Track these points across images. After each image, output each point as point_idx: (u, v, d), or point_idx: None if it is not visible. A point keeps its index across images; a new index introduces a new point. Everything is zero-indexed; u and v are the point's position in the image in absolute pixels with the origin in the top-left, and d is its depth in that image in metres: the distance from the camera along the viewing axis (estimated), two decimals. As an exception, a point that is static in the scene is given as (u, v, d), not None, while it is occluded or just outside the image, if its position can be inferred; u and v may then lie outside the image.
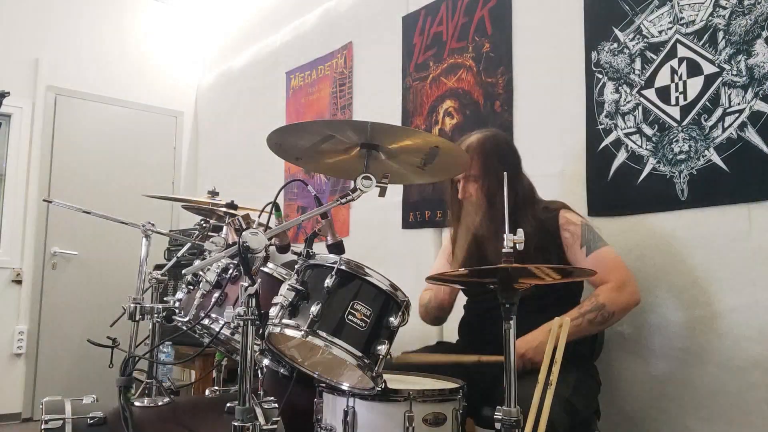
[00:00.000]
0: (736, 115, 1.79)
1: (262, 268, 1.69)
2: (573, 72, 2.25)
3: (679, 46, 1.95)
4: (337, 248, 1.46)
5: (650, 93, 2.01)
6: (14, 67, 4.21)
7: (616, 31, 2.12)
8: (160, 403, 1.69)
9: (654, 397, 1.95)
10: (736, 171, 1.79)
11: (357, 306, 1.37)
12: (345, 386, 1.47)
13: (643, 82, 2.04)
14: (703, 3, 1.89)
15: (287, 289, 1.39)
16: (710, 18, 1.87)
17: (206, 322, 1.67)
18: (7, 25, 4.20)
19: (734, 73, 1.81)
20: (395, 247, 2.95)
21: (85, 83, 4.47)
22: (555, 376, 1.27)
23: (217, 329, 1.63)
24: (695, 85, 1.89)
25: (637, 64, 2.06)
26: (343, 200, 1.34)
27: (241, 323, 1.21)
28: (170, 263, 2.07)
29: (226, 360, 2.16)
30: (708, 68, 1.87)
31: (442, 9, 2.84)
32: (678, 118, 1.93)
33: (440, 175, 1.71)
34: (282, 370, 1.77)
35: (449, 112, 2.77)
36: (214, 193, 2.09)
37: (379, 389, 1.38)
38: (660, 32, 2.00)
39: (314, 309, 1.33)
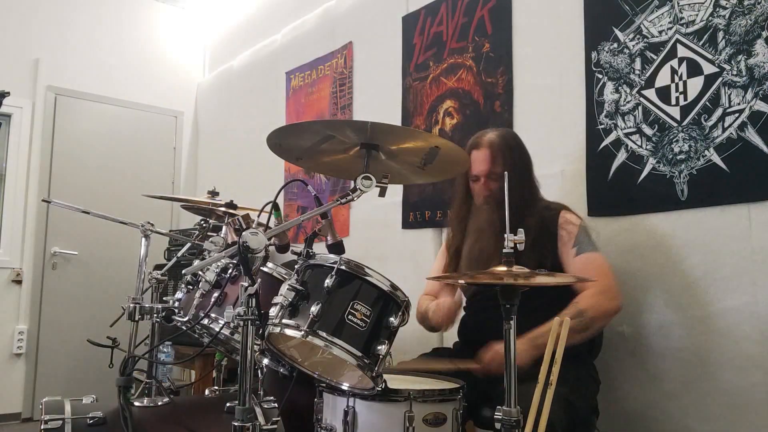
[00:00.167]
0: (736, 115, 1.79)
1: (261, 268, 1.69)
2: (573, 72, 2.25)
3: (679, 46, 1.95)
4: (337, 248, 1.46)
5: (650, 93, 2.01)
6: (14, 67, 4.21)
7: (616, 31, 2.12)
8: (159, 403, 1.69)
9: (654, 398, 1.95)
10: (736, 171, 1.79)
11: (357, 306, 1.37)
12: (345, 386, 1.47)
13: (643, 82, 2.04)
14: (703, 3, 1.89)
15: (287, 289, 1.39)
16: (710, 18, 1.87)
17: (206, 322, 1.67)
18: (7, 25, 4.20)
19: (734, 73, 1.80)
20: (395, 247, 2.95)
21: (85, 83, 4.47)
22: (555, 376, 1.27)
23: (217, 329, 1.63)
24: (695, 85, 1.89)
25: (637, 64, 2.06)
26: (343, 200, 1.34)
27: (241, 323, 1.21)
28: (170, 263, 2.07)
29: (226, 360, 2.16)
30: (708, 68, 1.87)
31: (442, 9, 2.84)
32: (678, 118, 1.93)
33: (440, 175, 1.71)
34: (282, 370, 1.77)
35: (449, 112, 2.77)
36: (214, 193, 2.09)
37: (379, 389, 1.38)
38: (660, 32, 2.00)
39: (314, 309, 1.33)
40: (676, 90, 1.94)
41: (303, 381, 1.64)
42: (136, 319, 1.75)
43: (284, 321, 1.37)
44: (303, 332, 1.33)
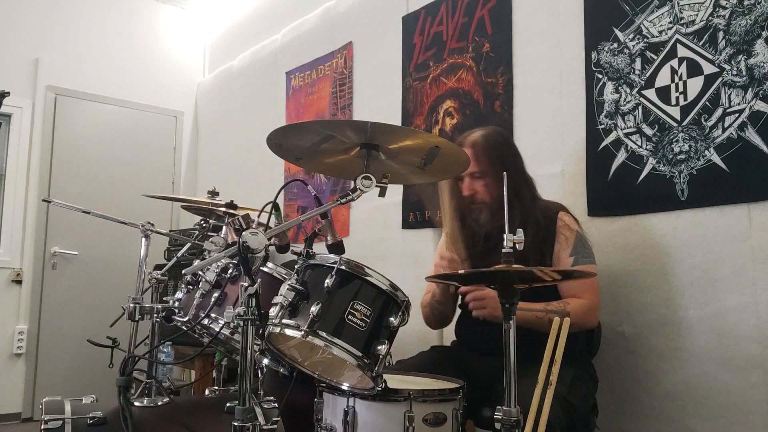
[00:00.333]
0: (736, 115, 1.79)
1: (261, 268, 1.69)
2: (573, 72, 2.25)
3: (679, 46, 1.95)
4: (337, 248, 1.46)
5: (650, 93, 2.01)
6: (14, 67, 4.21)
7: (616, 31, 2.12)
8: (159, 403, 1.69)
9: (654, 397, 1.95)
10: (736, 171, 1.79)
11: (357, 306, 1.37)
12: (345, 386, 1.47)
13: (643, 82, 2.04)
14: (703, 3, 1.89)
15: (287, 289, 1.39)
16: (710, 18, 1.87)
17: (206, 322, 1.67)
18: (7, 25, 4.20)
19: (734, 73, 1.80)
20: (395, 247, 2.95)
21: (85, 83, 4.47)
22: (555, 376, 1.27)
23: (217, 329, 1.63)
24: (695, 85, 1.89)
25: (637, 64, 2.06)
26: (343, 200, 1.34)
27: (241, 323, 1.21)
28: (170, 263, 2.07)
29: (225, 360, 2.16)
30: (708, 68, 1.87)
31: (442, 9, 2.84)
32: (678, 118, 1.93)
33: (440, 175, 1.71)
34: (282, 370, 1.77)
35: (449, 112, 2.77)
36: (214, 193, 2.09)
37: (379, 389, 1.38)
38: (660, 32, 2.00)
39: (314, 309, 1.33)
40: (676, 90, 1.94)
41: (303, 381, 1.64)
42: (136, 319, 1.75)
43: (284, 321, 1.37)
44: (303, 332, 1.33)
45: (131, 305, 1.75)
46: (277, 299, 1.40)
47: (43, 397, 1.61)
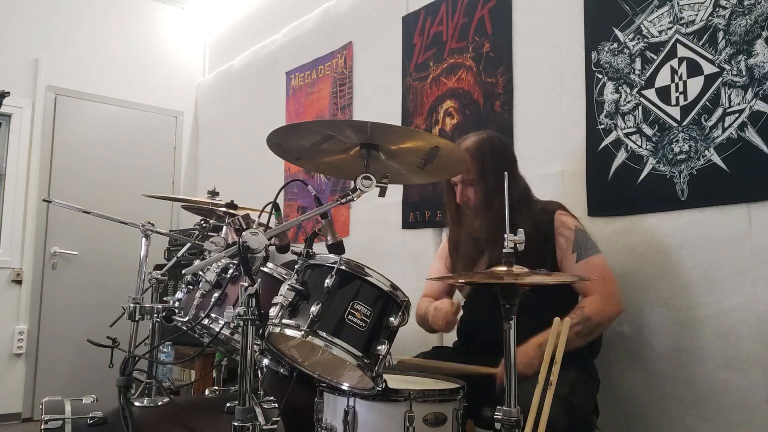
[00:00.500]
0: (736, 115, 1.79)
1: (262, 268, 1.69)
2: (573, 72, 2.25)
3: (679, 46, 1.95)
4: (337, 248, 1.46)
5: (650, 93, 2.01)
6: (14, 67, 4.21)
7: (616, 31, 2.12)
8: (159, 403, 1.69)
9: (654, 397, 1.95)
10: (736, 171, 1.79)
11: (357, 306, 1.37)
12: (345, 386, 1.47)
13: (643, 82, 2.04)
14: (703, 3, 1.89)
15: (287, 289, 1.39)
16: (710, 18, 1.87)
17: (206, 322, 1.67)
18: (7, 25, 4.20)
19: (734, 73, 1.80)
20: (395, 247, 2.95)
21: (85, 83, 4.47)
22: (555, 376, 1.27)
23: (217, 329, 1.63)
24: (695, 85, 1.89)
25: (637, 64, 2.06)
26: (343, 200, 1.34)
27: (241, 323, 1.21)
28: (170, 263, 2.07)
29: (226, 360, 2.16)
30: (708, 68, 1.87)
31: (442, 9, 2.84)
32: (678, 118, 1.93)
33: (440, 175, 1.71)
34: (282, 370, 1.77)
35: (449, 112, 2.77)
36: (214, 193, 2.09)
37: (380, 389, 1.38)
38: (660, 32, 2.00)
39: (314, 309, 1.33)
40: (676, 90, 1.94)
41: (303, 381, 1.64)
42: (137, 319, 1.75)
43: (284, 321, 1.37)
44: (303, 332, 1.33)
45: (131, 305, 1.75)
46: (277, 299, 1.40)
47: (43, 397, 1.61)
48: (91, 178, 4.42)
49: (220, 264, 1.70)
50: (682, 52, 1.94)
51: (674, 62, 1.95)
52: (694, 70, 1.90)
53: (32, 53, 4.28)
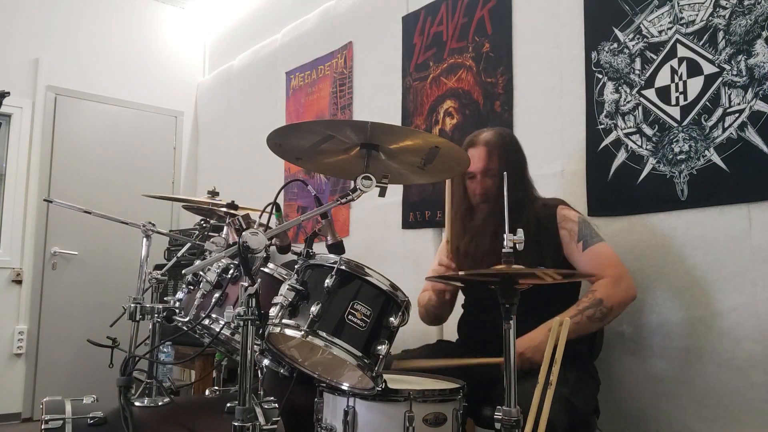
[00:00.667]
0: (736, 115, 1.79)
1: (262, 268, 1.69)
2: (573, 72, 2.25)
3: (679, 46, 1.95)
4: (337, 248, 1.46)
5: (650, 93, 2.01)
6: (14, 67, 4.21)
7: (616, 31, 2.12)
8: (160, 403, 1.69)
9: (654, 397, 1.95)
10: (736, 171, 1.79)
11: (357, 306, 1.37)
12: (345, 386, 1.47)
13: (643, 82, 2.04)
14: (703, 3, 1.89)
15: (287, 289, 1.39)
16: (710, 18, 1.87)
17: (206, 322, 1.67)
18: (7, 25, 4.20)
19: (734, 73, 1.81)
20: (395, 247, 2.95)
21: (85, 83, 4.47)
22: (555, 376, 1.27)
23: (218, 329, 1.63)
24: (695, 85, 1.89)
25: (637, 64, 2.06)
26: (343, 200, 1.34)
27: (241, 323, 1.21)
28: (170, 263, 2.07)
29: (226, 360, 2.16)
30: (708, 68, 1.87)
31: (442, 9, 2.84)
32: (678, 118, 1.94)
33: (440, 175, 1.71)
34: (282, 370, 1.77)
35: (449, 112, 2.77)
36: (214, 193, 2.09)
37: (380, 389, 1.38)
38: (660, 32, 2.00)
39: (314, 309, 1.33)
40: (676, 90, 1.94)
41: (303, 381, 1.64)
42: (137, 319, 1.75)
43: (284, 321, 1.37)
44: (303, 332, 1.33)
45: (132, 305, 1.75)
46: (277, 299, 1.40)
47: (43, 397, 1.61)
48: (91, 178, 4.42)
49: (220, 264, 1.70)
50: (682, 52, 1.94)
51: (674, 62, 1.95)
52: (694, 70, 1.90)
53: (32, 53, 4.28)
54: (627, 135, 2.07)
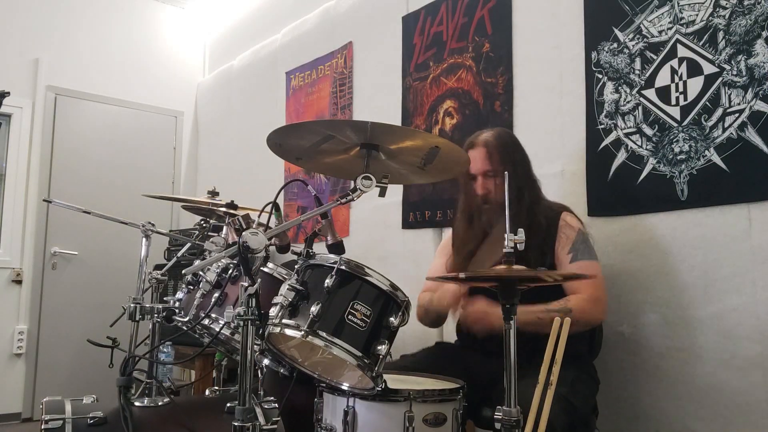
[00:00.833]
0: (736, 115, 1.79)
1: (262, 268, 1.69)
2: (573, 72, 2.25)
3: (679, 46, 1.95)
4: (337, 248, 1.46)
5: (650, 93, 2.01)
6: (14, 67, 4.21)
7: (616, 31, 2.12)
8: (159, 403, 1.69)
9: (653, 397, 1.95)
10: (736, 171, 1.79)
11: (357, 306, 1.37)
12: (345, 386, 1.47)
13: (643, 82, 2.04)
14: (703, 3, 1.89)
15: (287, 289, 1.39)
16: (710, 18, 1.87)
17: (206, 322, 1.67)
18: (7, 25, 4.19)
19: (734, 73, 1.81)
20: (395, 247, 2.95)
21: (85, 83, 4.47)
22: (555, 376, 1.27)
23: (217, 329, 1.63)
24: (695, 85, 1.89)
25: (637, 64, 2.06)
26: (343, 200, 1.34)
27: (241, 323, 1.21)
28: (170, 263, 2.07)
29: (226, 360, 2.16)
30: (708, 68, 1.87)
31: (442, 9, 2.84)
32: (678, 118, 1.94)
33: (440, 175, 1.71)
34: (282, 370, 1.77)
35: (449, 112, 2.77)
36: (214, 193, 2.09)
37: (379, 389, 1.38)
38: (660, 32, 2.00)
39: (314, 309, 1.33)
40: (676, 90, 1.94)
41: (303, 381, 1.64)
42: (137, 319, 1.75)
43: (284, 321, 1.37)
44: (303, 332, 1.33)
45: (131, 305, 1.75)
46: (277, 299, 1.40)
47: (43, 397, 1.61)
48: (91, 178, 4.42)
49: (220, 264, 1.70)
50: (682, 52, 1.94)
51: (674, 62, 1.95)
52: (694, 70, 1.90)
53: (32, 53, 4.28)
54: (627, 135, 2.07)
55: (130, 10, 4.75)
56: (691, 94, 1.90)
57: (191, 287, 1.77)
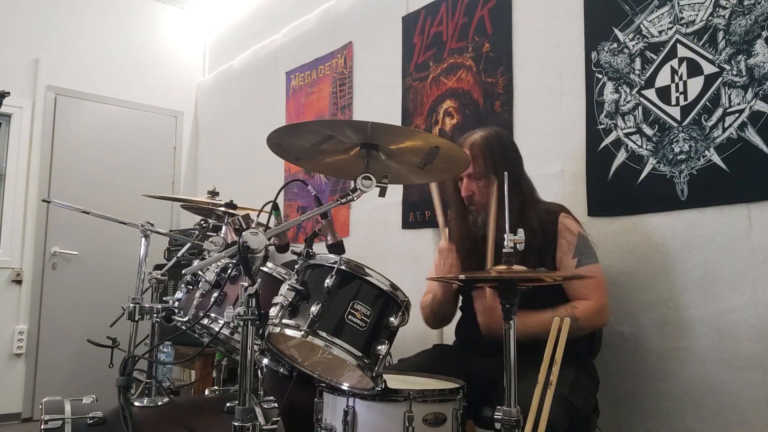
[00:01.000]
0: (736, 115, 1.79)
1: (261, 268, 1.69)
2: (573, 72, 2.25)
3: (679, 46, 1.95)
4: (337, 248, 1.46)
5: (650, 93, 2.01)
6: (14, 67, 4.21)
7: (616, 31, 2.12)
8: (159, 403, 1.69)
9: (654, 397, 1.95)
10: (736, 171, 1.79)
11: (357, 306, 1.37)
12: (345, 386, 1.47)
13: (643, 82, 2.04)
14: (703, 3, 1.89)
15: (287, 288, 1.39)
16: (710, 18, 1.87)
17: (206, 321, 1.67)
18: (7, 25, 4.19)
19: (734, 73, 1.80)
20: (395, 247, 2.95)
21: (85, 83, 4.47)
22: (555, 376, 1.27)
23: (217, 329, 1.63)
24: (695, 85, 1.89)
25: (637, 64, 2.06)
26: (343, 200, 1.34)
27: (241, 323, 1.21)
28: (170, 263, 2.07)
29: (225, 360, 2.16)
30: (708, 68, 1.87)
31: (442, 9, 2.84)
32: (678, 118, 1.93)
33: (440, 175, 1.71)
34: (282, 370, 1.77)
35: (449, 112, 2.77)
36: (214, 193, 2.09)
37: (379, 389, 1.38)
38: (660, 32, 2.00)
39: (314, 309, 1.33)
40: (676, 90, 1.94)
41: (303, 381, 1.64)
42: (136, 319, 1.75)
43: (284, 321, 1.37)
44: (303, 332, 1.33)
45: (131, 305, 1.75)
46: (277, 299, 1.39)
47: (43, 397, 1.61)
48: (91, 178, 4.42)
49: (219, 264, 1.70)
50: (682, 52, 1.94)
51: (674, 62, 1.95)
52: (694, 70, 1.90)
53: (32, 53, 4.28)
54: (627, 135, 2.07)
55: (130, 10, 4.75)
56: (691, 94, 1.90)
57: (191, 287, 1.77)
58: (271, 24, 4.22)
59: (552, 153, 2.30)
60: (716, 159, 1.83)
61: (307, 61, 3.73)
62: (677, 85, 1.94)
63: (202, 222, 2.15)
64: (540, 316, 1.67)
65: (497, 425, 1.25)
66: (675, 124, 1.94)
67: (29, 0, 4.28)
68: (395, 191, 2.94)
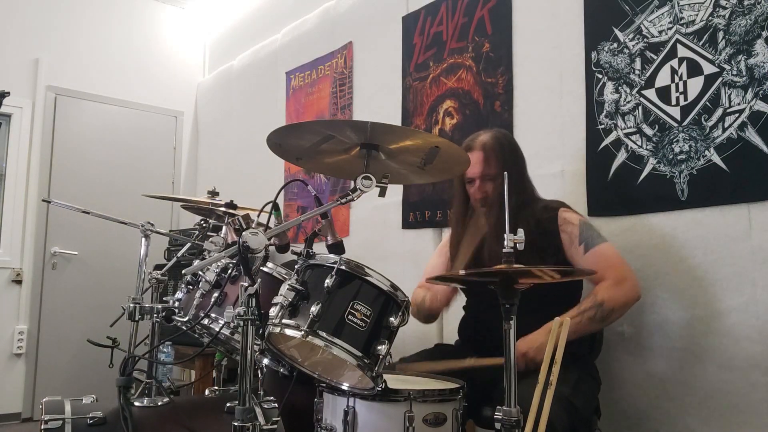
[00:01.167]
0: (736, 115, 1.79)
1: (261, 268, 1.69)
2: (573, 72, 2.25)
3: (679, 46, 1.95)
4: (337, 248, 1.46)
5: (650, 93, 2.01)
6: (14, 67, 4.21)
7: (616, 31, 2.12)
8: (159, 403, 1.69)
9: (654, 397, 1.95)
10: (736, 171, 1.79)
11: (357, 306, 1.37)
12: (345, 386, 1.47)
13: (643, 82, 2.04)
14: (703, 3, 1.89)
15: (287, 289, 1.39)
16: (710, 18, 1.87)
17: (206, 322, 1.67)
18: (7, 25, 4.19)
19: (734, 73, 1.80)
20: (395, 247, 2.95)
21: (85, 83, 4.47)
22: (555, 376, 1.27)
23: (217, 329, 1.63)
24: (695, 85, 1.89)
25: (637, 64, 2.06)
26: (343, 200, 1.34)
27: (241, 323, 1.21)
28: (170, 263, 2.07)
29: (226, 360, 2.16)
30: (708, 68, 1.87)
31: (442, 9, 2.84)
32: (678, 118, 1.93)
33: (440, 175, 1.71)
34: (282, 370, 1.77)
35: (449, 112, 2.77)
36: (214, 193, 2.09)
37: (379, 389, 1.38)
38: (660, 32, 2.00)
39: (314, 309, 1.33)
40: (677, 90, 1.94)
41: (303, 381, 1.64)
42: (136, 319, 1.75)
43: (284, 321, 1.37)
44: (303, 332, 1.33)
45: (131, 305, 1.75)
46: (277, 299, 1.40)
47: (43, 397, 1.61)
48: (91, 178, 4.42)
49: (219, 264, 1.70)
50: (682, 52, 1.94)
51: (674, 62, 1.95)
52: (694, 70, 1.90)
53: (32, 53, 4.28)
54: (627, 135, 2.07)
55: (130, 10, 4.75)
56: (691, 94, 1.90)
57: (191, 287, 1.77)
58: (271, 24, 4.22)
59: (552, 153, 2.30)
60: (716, 159, 1.83)
61: (307, 61, 3.73)
62: (677, 85, 1.94)
63: (202, 222, 2.15)
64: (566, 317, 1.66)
65: (497, 425, 1.25)
66: (675, 124, 1.94)
67: (29, 0, 4.28)
68: (395, 191, 2.94)
